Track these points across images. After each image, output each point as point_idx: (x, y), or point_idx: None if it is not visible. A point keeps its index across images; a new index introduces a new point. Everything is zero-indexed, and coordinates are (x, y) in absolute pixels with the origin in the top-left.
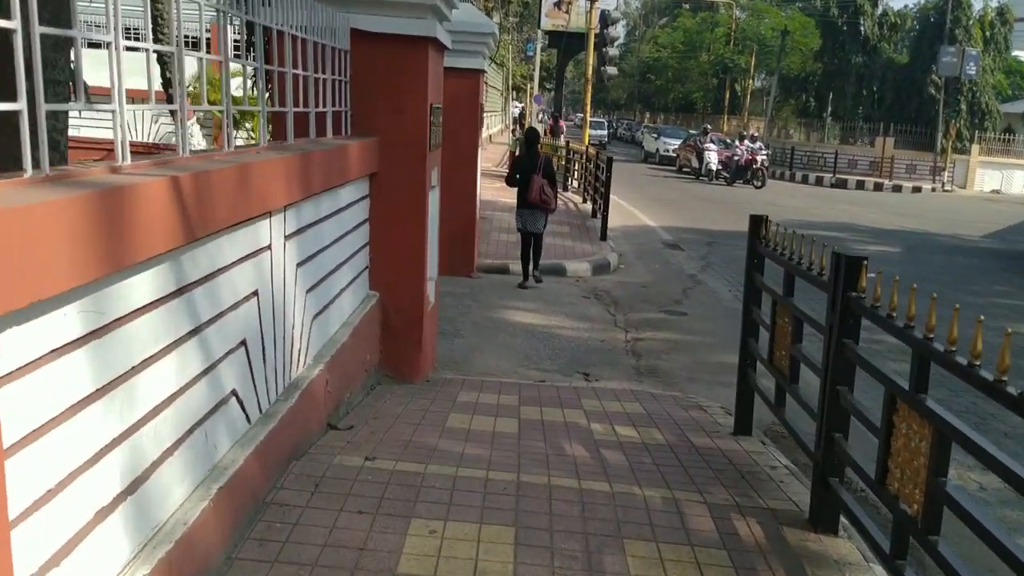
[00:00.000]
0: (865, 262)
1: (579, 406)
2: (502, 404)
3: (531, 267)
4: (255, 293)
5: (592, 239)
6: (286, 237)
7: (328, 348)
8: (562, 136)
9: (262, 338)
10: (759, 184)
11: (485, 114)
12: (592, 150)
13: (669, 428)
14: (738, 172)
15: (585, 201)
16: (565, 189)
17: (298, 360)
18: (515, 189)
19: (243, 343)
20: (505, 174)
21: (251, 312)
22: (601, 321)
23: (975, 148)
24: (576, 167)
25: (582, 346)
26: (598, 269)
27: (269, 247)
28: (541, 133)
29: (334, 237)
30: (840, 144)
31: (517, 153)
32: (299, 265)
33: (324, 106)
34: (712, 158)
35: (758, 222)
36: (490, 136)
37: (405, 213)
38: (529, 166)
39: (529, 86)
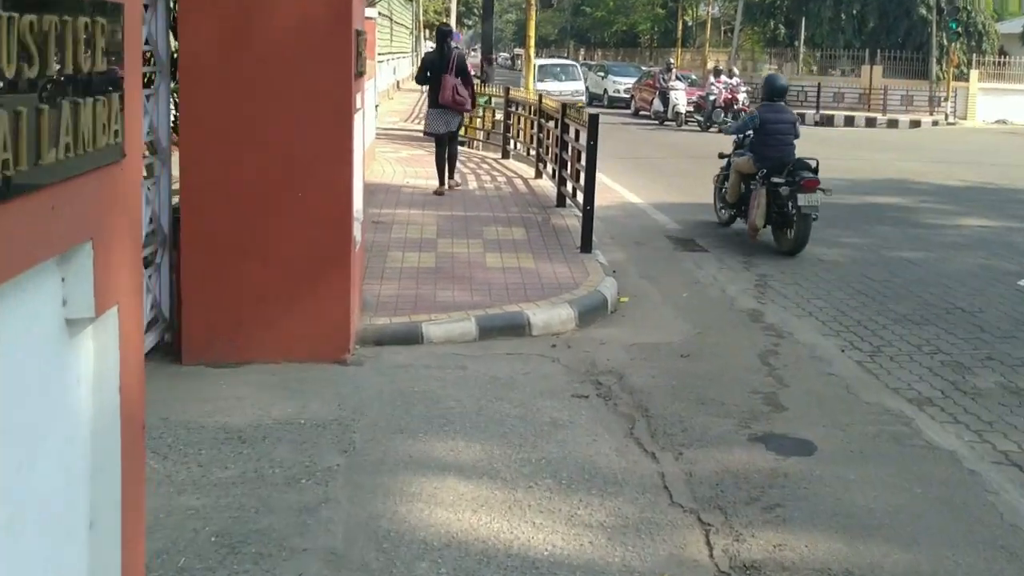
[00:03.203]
0: None
1: None
2: None
3: (447, 174)
4: None
5: (566, 249)
6: None
7: None
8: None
9: None
10: None
11: (387, 57)
12: (551, 103)
13: None
14: (713, 115)
15: (539, 175)
16: (505, 155)
17: None
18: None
19: None
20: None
21: None
22: (636, 490)
23: (974, 74)
24: (520, 124)
25: None
26: (588, 314)
27: None
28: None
29: None
30: (820, 76)
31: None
32: None
33: None
34: (680, 99)
35: None
36: (398, 83)
37: None
38: (440, 65)
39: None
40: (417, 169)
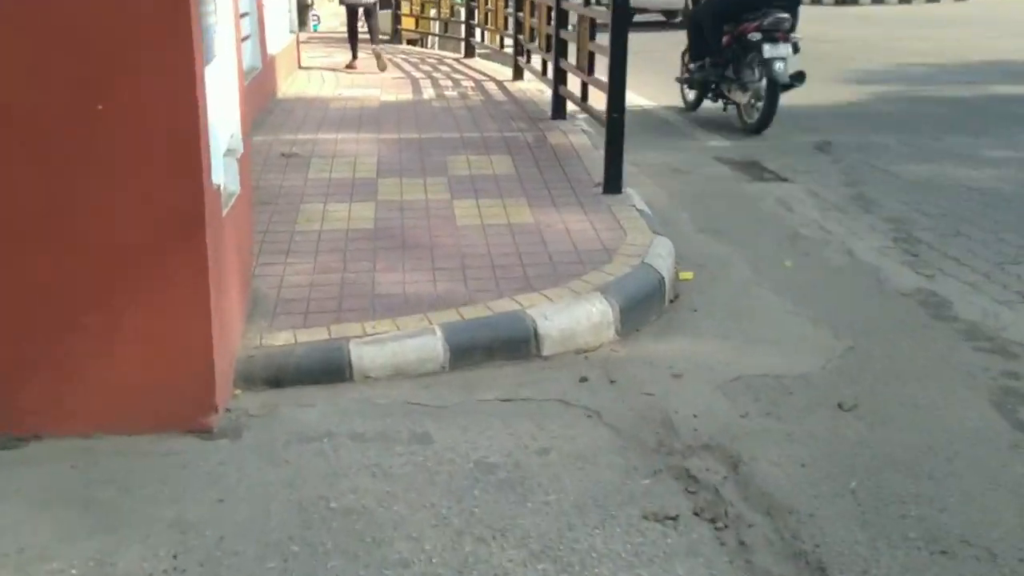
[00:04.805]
0: None
1: None
2: None
3: (371, 41)
4: None
5: (579, 187)
6: None
7: None
8: None
9: None
10: None
11: None
12: None
13: None
14: None
15: (519, 75)
16: (469, 52)
17: None
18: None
19: None
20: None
21: None
22: None
23: None
24: (488, 5)
25: None
26: (635, 311)
27: None
28: None
29: None
30: None
31: None
32: None
33: None
34: None
35: None
36: None
37: None
38: None
39: None
40: (354, 77)
